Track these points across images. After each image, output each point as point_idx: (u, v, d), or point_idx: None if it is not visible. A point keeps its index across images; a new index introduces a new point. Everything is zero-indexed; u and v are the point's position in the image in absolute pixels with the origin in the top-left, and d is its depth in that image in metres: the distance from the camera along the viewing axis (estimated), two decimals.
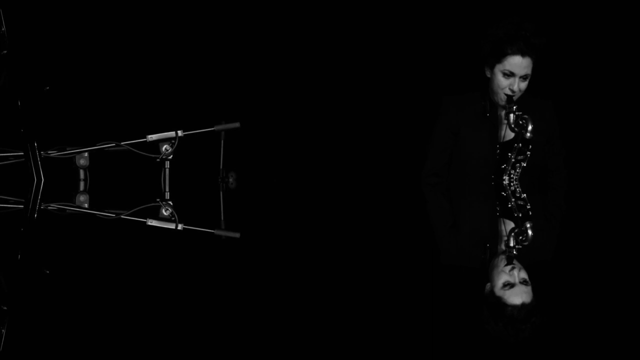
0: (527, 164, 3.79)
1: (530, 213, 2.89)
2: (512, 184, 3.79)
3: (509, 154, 3.79)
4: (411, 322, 1.36)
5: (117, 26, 4.96)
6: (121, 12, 4.96)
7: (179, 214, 2.95)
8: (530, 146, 3.77)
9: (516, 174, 3.79)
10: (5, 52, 3.87)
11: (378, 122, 5.02)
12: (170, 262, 1.94)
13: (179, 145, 4.18)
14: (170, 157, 4.17)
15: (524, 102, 3.75)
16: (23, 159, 3.90)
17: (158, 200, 3.52)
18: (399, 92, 4.99)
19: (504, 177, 3.80)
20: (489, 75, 3.77)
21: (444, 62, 4.84)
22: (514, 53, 3.66)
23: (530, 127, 3.67)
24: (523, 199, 3.35)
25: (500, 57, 3.68)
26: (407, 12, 4.94)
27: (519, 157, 3.79)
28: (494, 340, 1.28)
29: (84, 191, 3.97)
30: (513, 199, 3.33)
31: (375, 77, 5.01)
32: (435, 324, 1.35)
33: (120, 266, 1.89)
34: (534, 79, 3.74)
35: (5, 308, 1.45)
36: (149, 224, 2.61)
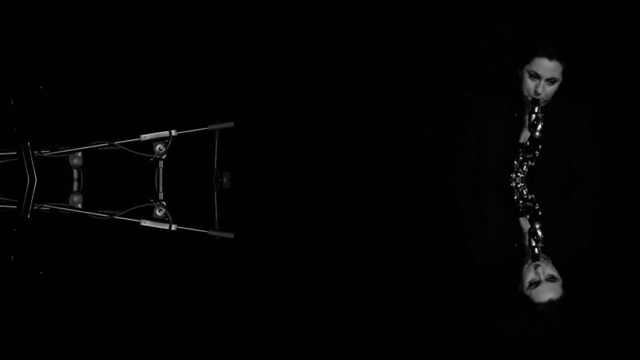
0: (534, 164, 3.72)
1: (540, 214, 2.89)
2: (518, 184, 3.73)
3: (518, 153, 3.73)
4: (417, 322, 1.36)
5: (111, 25, 4.95)
6: (115, 11, 4.95)
7: (173, 214, 2.94)
8: (540, 146, 3.71)
9: (523, 172, 3.73)
10: None
11: (377, 120, 5.01)
12: (164, 263, 1.94)
13: (173, 144, 4.17)
14: (164, 156, 4.16)
15: (552, 104, 3.68)
16: (16, 159, 3.89)
17: (152, 200, 3.52)
18: (399, 90, 4.98)
19: (511, 176, 3.75)
20: (519, 75, 3.75)
21: (446, 61, 4.83)
22: (542, 55, 3.63)
23: (540, 127, 3.62)
24: (531, 200, 3.32)
25: (528, 58, 3.66)
26: (403, 10, 4.94)
27: (527, 156, 3.72)
28: (510, 339, 1.27)
29: (78, 191, 3.96)
30: (521, 201, 3.29)
31: (373, 75, 5.00)
32: (442, 325, 1.35)
33: (114, 267, 1.89)
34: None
35: None
36: (143, 224, 2.61)
